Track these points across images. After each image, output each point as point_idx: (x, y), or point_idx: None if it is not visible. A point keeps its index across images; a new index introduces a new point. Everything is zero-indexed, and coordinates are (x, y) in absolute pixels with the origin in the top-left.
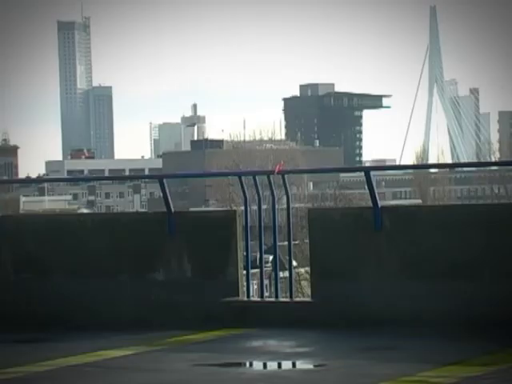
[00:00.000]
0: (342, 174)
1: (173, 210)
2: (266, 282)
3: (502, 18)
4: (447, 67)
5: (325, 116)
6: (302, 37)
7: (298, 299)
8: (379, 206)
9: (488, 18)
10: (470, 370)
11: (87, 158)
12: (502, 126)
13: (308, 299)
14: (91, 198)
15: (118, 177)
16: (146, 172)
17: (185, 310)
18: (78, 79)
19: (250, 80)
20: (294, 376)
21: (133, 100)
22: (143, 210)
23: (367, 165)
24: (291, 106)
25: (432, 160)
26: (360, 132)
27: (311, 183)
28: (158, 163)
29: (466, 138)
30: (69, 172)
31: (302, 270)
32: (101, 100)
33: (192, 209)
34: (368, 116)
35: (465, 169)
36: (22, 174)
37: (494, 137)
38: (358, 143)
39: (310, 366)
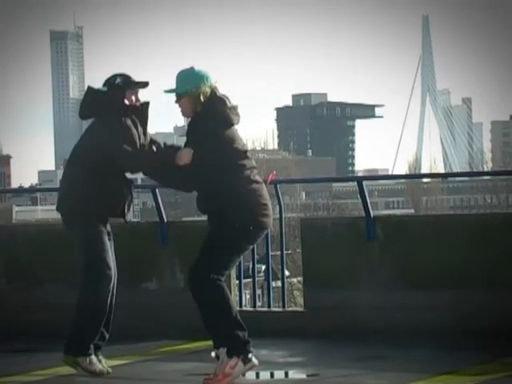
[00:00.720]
0: (335, 184)
1: (165, 219)
2: (258, 291)
3: (495, 29)
4: (440, 77)
5: (317, 126)
6: (295, 47)
7: (290, 309)
8: (372, 215)
9: (481, 28)
10: (463, 379)
11: None
12: (494, 135)
13: (301, 309)
14: None
15: None
16: (139, 182)
17: (177, 320)
18: (70, 89)
19: (242, 89)
20: None
21: None
22: (136, 220)
23: (360, 174)
24: (284, 116)
25: (424, 170)
26: (353, 142)
27: (304, 193)
28: None
29: (458, 147)
30: None
31: (295, 280)
32: None
33: (185, 218)
34: (361, 126)
35: (457, 178)
36: (14, 184)
37: (487, 146)
38: (350, 153)
39: (303, 376)
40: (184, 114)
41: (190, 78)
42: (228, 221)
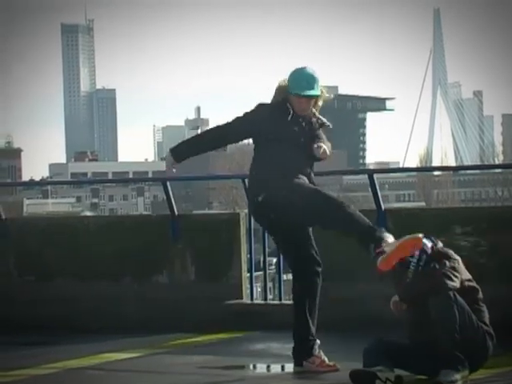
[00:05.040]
0: (346, 177)
1: (176, 212)
2: (269, 284)
3: (506, 21)
4: (451, 70)
5: (328, 119)
6: (305, 40)
7: None
8: (383, 208)
9: (492, 20)
10: (474, 372)
11: (91, 160)
12: (505, 128)
13: None
14: (95, 200)
15: (121, 179)
16: (150, 175)
17: (188, 313)
18: (81, 82)
19: (253, 83)
20: (296, 378)
21: (136, 103)
22: (147, 213)
23: (371, 167)
24: None
25: (435, 162)
26: (364, 135)
27: None
28: (162, 166)
29: (469, 140)
30: (72, 175)
31: None
32: (104, 103)
33: (195, 211)
34: (372, 119)
35: (468, 171)
36: (25, 177)
37: (498, 139)
38: (361, 146)
39: None
40: (306, 111)
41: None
42: None
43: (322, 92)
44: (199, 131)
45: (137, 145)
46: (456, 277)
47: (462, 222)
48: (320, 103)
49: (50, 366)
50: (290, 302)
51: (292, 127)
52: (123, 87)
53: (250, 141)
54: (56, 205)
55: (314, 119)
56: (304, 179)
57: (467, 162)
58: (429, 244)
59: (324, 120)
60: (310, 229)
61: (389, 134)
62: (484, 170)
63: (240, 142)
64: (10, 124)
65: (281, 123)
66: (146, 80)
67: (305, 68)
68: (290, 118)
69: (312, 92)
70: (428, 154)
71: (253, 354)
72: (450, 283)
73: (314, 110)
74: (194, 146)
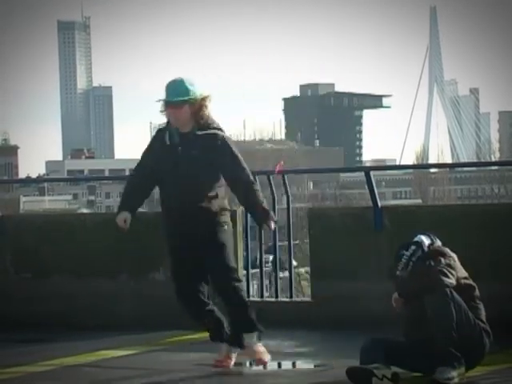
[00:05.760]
0: (342, 174)
1: None
2: (266, 282)
3: (502, 18)
4: (447, 67)
5: (325, 116)
6: (302, 37)
7: (298, 299)
8: (379, 205)
9: (488, 17)
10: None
11: (87, 157)
12: (502, 125)
13: (308, 299)
14: (91, 197)
15: (118, 177)
16: None
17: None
18: (78, 79)
19: (249, 80)
20: (293, 376)
21: (133, 100)
22: (143, 210)
23: (367, 165)
24: (291, 106)
25: (432, 160)
26: (360, 132)
27: (311, 183)
28: None
29: (466, 137)
30: (69, 172)
31: (302, 270)
32: (101, 100)
33: None
34: (368, 116)
35: (465, 169)
36: (22, 174)
37: (494, 137)
38: (358, 143)
39: (311, 366)
40: (178, 122)
41: (191, 85)
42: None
43: (191, 98)
44: None
45: (133, 142)
46: (452, 274)
47: (458, 219)
48: (205, 110)
49: (47, 363)
50: (287, 299)
51: (169, 154)
52: (120, 84)
53: (247, 138)
54: (53, 202)
55: (199, 133)
56: (191, 217)
57: (464, 160)
58: (426, 241)
59: (212, 131)
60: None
61: (385, 132)
62: (480, 168)
63: (236, 139)
64: (6, 121)
65: (161, 151)
66: (143, 77)
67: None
68: (167, 141)
69: (164, 98)
70: (424, 152)
71: None
72: (446, 280)
73: (202, 118)
74: (131, 194)
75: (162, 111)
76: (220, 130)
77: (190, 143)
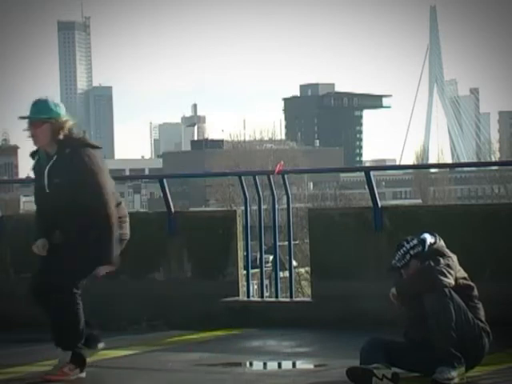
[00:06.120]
0: (343, 174)
1: (173, 209)
2: (266, 281)
3: (502, 18)
4: (447, 67)
5: (325, 116)
6: (303, 37)
7: (298, 299)
8: (379, 205)
9: (488, 17)
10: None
11: None
12: (502, 125)
13: (308, 299)
14: None
15: (118, 177)
16: (147, 172)
17: (185, 310)
18: (78, 79)
19: (250, 80)
20: (293, 376)
21: (133, 100)
22: (143, 210)
23: (367, 165)
24: (291, 106)
25: (432, 160)
26: (360, 132)
27: (311, 183)
28: (158, 163)
29: (466, 137)
30: None
31: (302, 270)
32: (101, 100)
33: (192, 209)
34: (368, 116)
35: (465, 169)
36: (22, 174)
37: (494, 137)
38: (358, 143)
39: (311, 366)
40: (38, 141)
41: (55, 105)
42: None
43: (52, 118)
44: (195, 128)
45: (133, 142)
46: (451, 274)
47: (458, 219)
48: (63, 131)
49: (47, 363)
50: (287, 299)
51: (38, 174)
52: (120, 84)
53: (247, 138)
54: None
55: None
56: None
57: (464, 160)
58: (429, 240)
59: (67, 150)
60: None
61: (385, 132)
62: (480, 168)
63: (236, 139)
64: (6, 121)
65: (36, 172)
66: (143, 77)
67: None
68: (36, 160)
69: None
70: (424, 152)
71: (249, 351)
72: (444, 280)
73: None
74: (42, 224)
75: (24, 130)
76: (85, 145)
77: (54, 167)
